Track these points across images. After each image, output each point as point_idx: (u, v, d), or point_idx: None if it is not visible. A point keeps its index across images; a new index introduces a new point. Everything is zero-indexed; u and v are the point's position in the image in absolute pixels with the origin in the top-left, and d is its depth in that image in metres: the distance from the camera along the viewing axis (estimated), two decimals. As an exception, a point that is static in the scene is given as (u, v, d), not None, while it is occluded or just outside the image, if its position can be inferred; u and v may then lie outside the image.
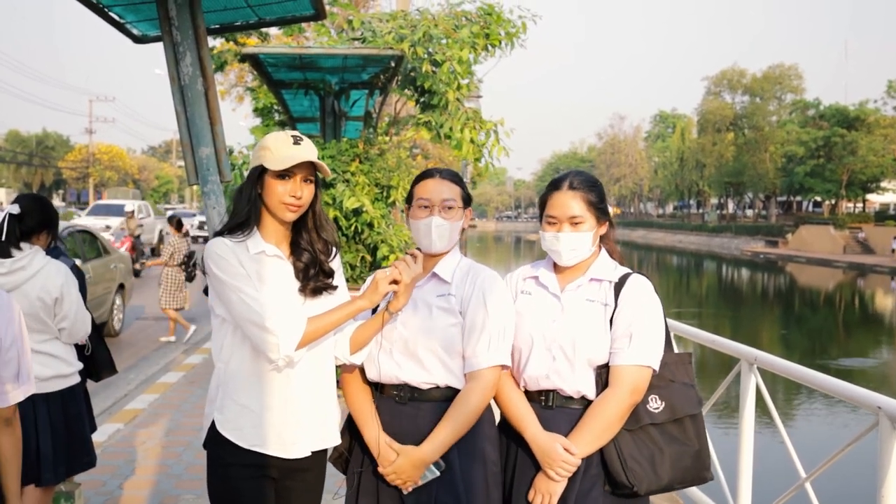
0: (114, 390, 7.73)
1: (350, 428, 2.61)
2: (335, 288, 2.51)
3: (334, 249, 2.56)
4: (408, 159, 9.58)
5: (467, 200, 2.61)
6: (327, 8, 6.62)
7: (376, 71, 8.03)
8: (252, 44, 12.02)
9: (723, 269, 48.59)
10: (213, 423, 2.43)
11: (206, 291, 2.53)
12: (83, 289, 3.73)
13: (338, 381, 2.57)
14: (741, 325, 23.74)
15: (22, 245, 3.49)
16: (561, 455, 2.36)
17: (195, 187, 4.75)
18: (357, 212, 7.43)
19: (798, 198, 68.71)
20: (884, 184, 59.04)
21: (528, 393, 2.52)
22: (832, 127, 56.37)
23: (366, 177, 7.72)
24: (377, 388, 2.56)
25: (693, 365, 2.57)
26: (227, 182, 4.65)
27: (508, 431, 2.53)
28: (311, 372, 2.44)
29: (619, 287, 2.49)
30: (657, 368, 2.43)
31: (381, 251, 7.52)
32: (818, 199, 63.99)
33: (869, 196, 62.35)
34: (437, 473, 2.41)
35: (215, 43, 12.48)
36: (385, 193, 7.95)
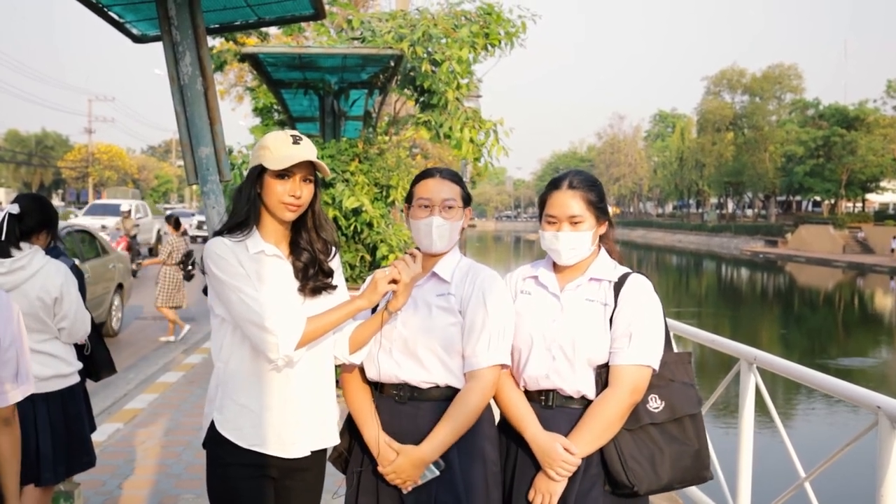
0: (113, 390, 7.73)
1: (350, 427, 2.61)
2: (334, 287, 2.51)
3: (333, 249, 2.56)
4: (407, 159, 9.58)
5: (467, 200, 2.61)
6: (327, 7, 6.61)
7: (376, 70, 8.03)
8: (251, 43, 12.02)
9: (722, 269, 48.60)
10: (212, 423, 2.42)
11: (205, 291, 2.53)
12: (82, 288, 3.73)
13: (337, 381, 2.57)
14: (740, 324, 23.74)
15: (21, 245, 3.49)
16: (561, 455, 2.36)
17: (195, 187, 4.75)
18: (356, 211, 7.43)
19: (797, 197, 68.76)
20: (883, 183, 59.05)
21: (527, 393, 2.52)
22: (832, 126, 56.39)
23: (365, 176, 7.72)
24: (377, 388, 2.56)
25: (693, 364, 2.57)
26: (227, 182, 4.65)
27: (508, 431, 2.53)
28: (310, 372, 2.44)
29: (618, 286, 2.49)
30: (657, 368, 2.43)
31: (381, 251, 7.52)
32: (818, 198, 64.02)
33: (868, 196, 62.35)
34: (437, 473, 2.41)
35: (215, 42, 12.47)
36: (384, 193, 7.95)
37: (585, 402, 2.44)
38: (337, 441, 2.55)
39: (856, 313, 28.44)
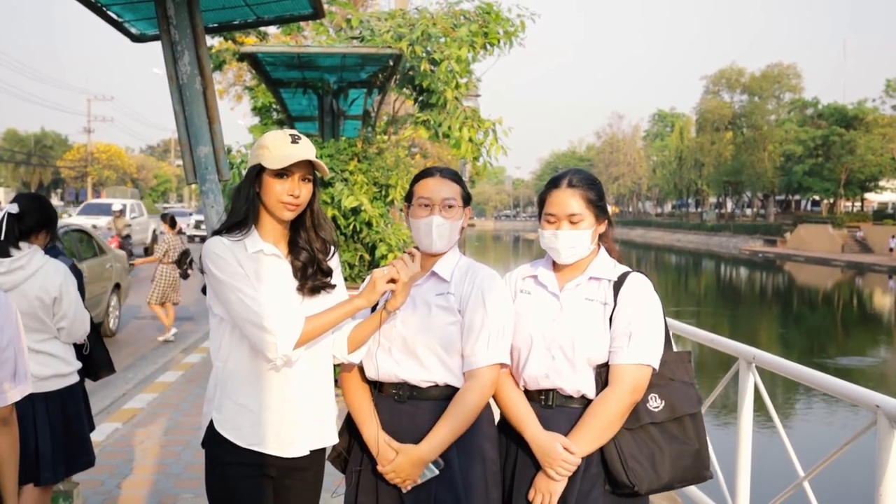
0: (112, 389, 7.73)
1: (349, 427, 2.61)
2: (333, 287, 2.51)
3: (332, 248, 2.56)
4: (406, 158, 9.58)
5: (467, 199, 2.61)
6: (326, 7, 6.61)
7: (375, 70, 8.03)
8: (250, 43, 12.02)
9: (721, 268, 48.62)
10: (211, 423, 2.42)
11: (204, 290, 2.52)
12: (81, 288, 3.73)
13: (336, 380, 2.57)
14: (739, 323, 23.75)
15: (21, 244, 3.49)
16: (561, 454, 2.35)
17: (193, 186, 4.75)
18: (355, 211, 7.43)
19: (796, 197, 68.77)
20: (882, 183, 59.08)
21: (527, 392, 2.52)
22: (830, 126, 56.39)
23: (364, 176, 7.71)
24: (376, 387, 2.56)
25: (693, 363, 2.57)
26: (226, 181, 4.65)
27: (508, 431, 2.53)
28: (309, 371, 2.44)
29: (618, 286, 2.48)
30: (657, 367, 2.42)
31: (380, 250, 7.52)
32: (816, 198, 64.02)
33: (867, 195, 62.36)
34: (436, 472, 2.41)
35: (213, 42, 12.47)
36: (383, 192, 7.95)
37: (585, 402, 2.44)
38: (336, 440, 2.55)
39: (854, 312, 28.46)
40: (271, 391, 2.39)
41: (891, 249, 44.56)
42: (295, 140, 2.38)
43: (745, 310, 27.96)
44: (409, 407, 2.48)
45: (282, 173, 2.36)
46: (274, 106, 13.07)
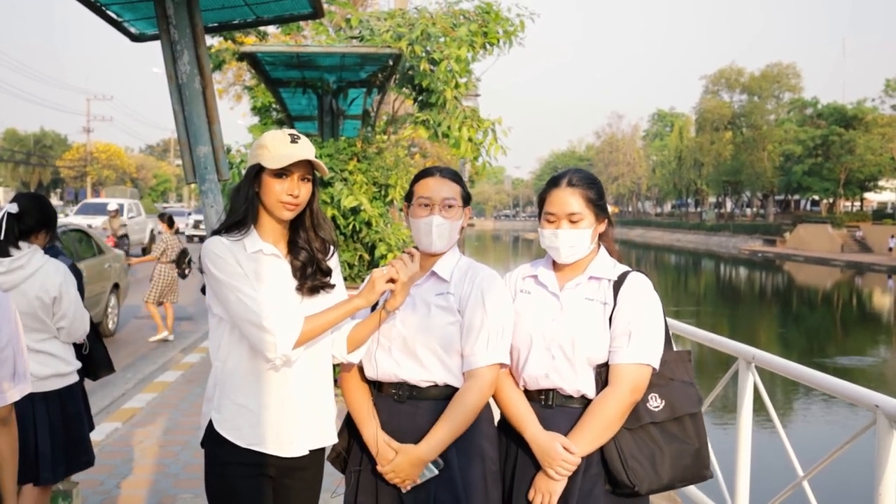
0: (112, 389, 7.73)
1: (349, 426, 2.61)
2: (333, 286, 2.51)
3: (332, 248, 2.56)
4: (406, 158, 9.58)
5: (467, 199, 2.61)
6: (325, 6, 6.61)
7: (374, 69, 8.02)
8: (250, 42, 12.02)
9: (721, 268, 48.63)
10: (210, 422, 2.42)
11: (203, 290, 2.52)
12: (81, 288, 3.73)
13: (336, 380, 2.57)
14: (739, 323, 23.76)
15: (20, 244, 3.49)
16: (560, 454, 2.35)
17: (193, 186, 4.75)
18: (355, 210, 7.42)
19: (796, 196, 68.79)
20: (881, 182, 59.10)
21: (527, 392, 2.52)
22: (830, 126, 56.39)
23: (364, 175, 7.71)
24: (376, 387, 2.56)
25: (693, 363, 2.57)
26: (225, 181, 4.65)
27: (509, 431, 2.53)
28: (308, 371, 2.44)
29: (618, 285, 2.48)
30: (657, 367, 2.42)
31: (379, 250, 7.52)
32: (816, 197, 64.01)
33: (866, 195, 62.41)
34: (436, 472, 2.41)
35: (213, 41, 12.48)
36: (383, 192, 7.95)
37: (585, 402, 2.44)
38: (335, 440, 2.55)
39: (854, 312, 28.46)
40: (270, 391, 2.39)
41: (890, 249, 44.57)
42: (294, 140, 2.38)
43: (745, 309, 27.97)
44: (408, 407, 2.48)
45: (281, 173, 2.36)
46: (273, 105, 13.07)
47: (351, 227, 7.53)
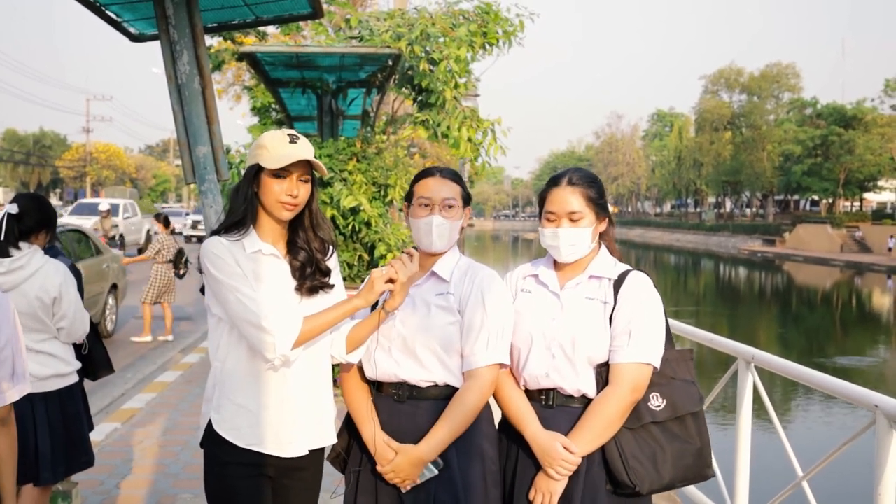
0: (111, 389, 7.73)
1: (348, 427, 2.61)
2: (332, 287, 2.51)
3: (331, 248, 2.56)
4: (405, 158, 9.57)
5: (467, 199, 2.61)
6: (325, 6, 6.61)
7: (374, 69, 8.03)
8: (249, 42, 12.02)
9: (720, 268, 48.64)
10: (209, 423, 2.42)
11: (202, 290, 2.52)
12: (80, 288, 3.73)
13: (335, 380, 2.57)
14: (738, 323, 23.76)
15: (21, 244, 3.48)
16: (561, 454, 2.35)
17: (192, 186, 4.75)
18: (354, 210, 7.42)
19: (795, 196, 68.79)
20: (881, 182, 59.10)
21: (528, 392, 2.52)
22: (829, 126, 56.39)
23: (363, 175, 7.71)
24: (375, 387, 2.56)
25: (694, 362, 2.57)
26: (225, 181, 4.65)
27: (509, 431, 2.52)
28: (307, 371, 2.44)
29: (618, 284, 2.48)
30: (658, 366, 2.42)
31: (379, 250, 7.52)
32: (815, 197, 64.01)
33: (866, 195, 62.40)
34: (436, 472, 2.41)
35: (212, 42, 12.48)
36: (383, 192, 7.95)
37: (586, 401, 2.43)
38: (334, 440, 2.55)
39: (853, 312, 28.47)
40: (270, 391, 2.39)
41: (889, 249, 44.57)
42: (293, 140, 2.38)
43: (744, 309, 27.97)
44: (408, 407, 2.48)
45: (280, 173, 2.36)
46: (273, 106, 13.07)
47: (350, 227, 7.53)
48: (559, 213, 2.49)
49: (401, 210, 2.68)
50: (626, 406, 2.37)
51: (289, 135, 2.39)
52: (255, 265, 2.39)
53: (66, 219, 24.62)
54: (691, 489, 4.45)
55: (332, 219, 7.33)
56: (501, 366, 2.48)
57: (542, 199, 2.57)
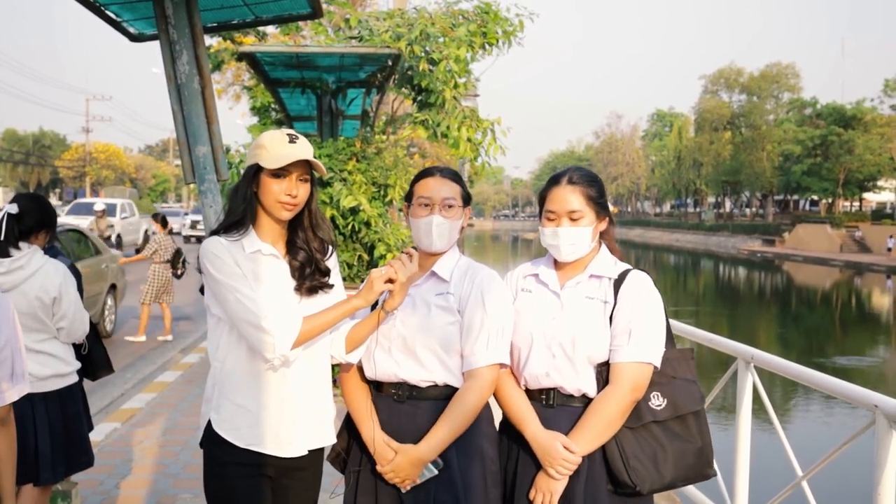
0: (111, 389, 7.73)
1: (348, 427, 2.61)
2: (331, 287, 2.51)
3: (330, 248, 2.56)
4: (405, 158, 9.56)
5: (467, 199, 2.61)
6: (324, 6, 6.61)
7: (373, 69, 8.02)
8: (249, 42, 12.02)
9: (720, 268, 48.64)
10: (209, 423, 2.42)
11: (202, 290, 2.52)
12: (80, 288, 3.73)
13: (335, 380, 2.57)
14: (738, 323, 23.76)
15: (20, 244, 3.48)
16: (561, 453, 2.35)
17: (192, 186, 4.75)
18: (354, 210, 7.42)
19: (795, 196, 68.80)
20: (880, 182, 59.12)
21: (529, 391, 2.52)
22: (829, 126, 56.38)
23: (363, 175, 7.71)
24: (375, 387, 2.56)
25: (695, 361, 2.56)
26: (224, 181, 4.65)
27: (510, 431, 2.52)
28: (307, 371, 2.44)
29: (618, 283, 2.48)
30: (658, 365, 2.42)
31: (379, 250, 7.51)
32: (815, 197, 64.02)
33: (865, 195, 62.42)
34: (436, 472, 2.41)
35: (212, 42, 12.47)
36: (382, 192, 7.95)
37: (586, 401, 2.43)
38: (334, 440, 2.55)
39: (853, 312, 28.47)
40: (269, 391, 2.39)
41: (889, 249, 44.57)
42: (292, 140, 2.38)
43: (744, 309, 27.97)
44: (408, 407, 2.48)
45: (279, 173, 2.36)
46: (272, 106, 13.07)
47: (350, 227, 7.53)
48: (559, 212, 2.48)
49: (400, 210, 2.68)
50: (626, 405, 2.37)
51: (288, 134, 2.39)
52: (255, 265, 2.38)
53: (63, 219, 24.61)
54: (691, 489, 4.45)
55: (332, 219, 7.33)
56: (501, 366, 2.48)
57: (543, 199, 2.57)
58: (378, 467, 2.45)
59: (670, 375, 2.46)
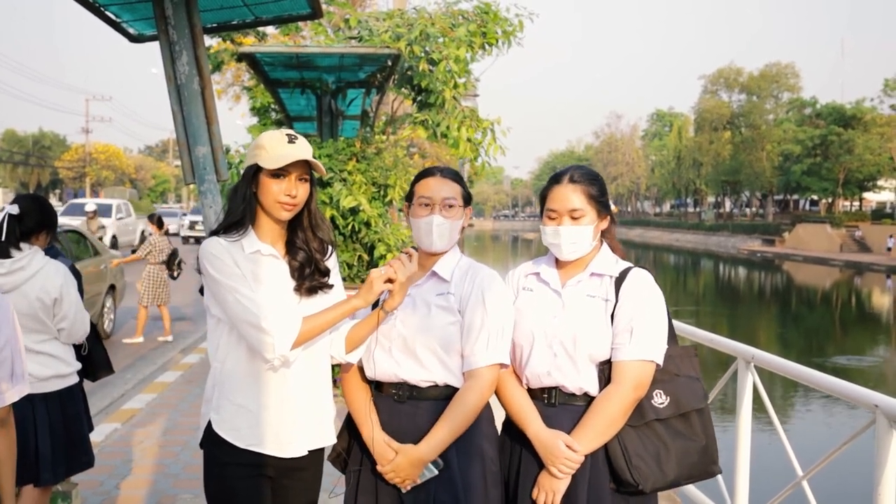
0: (111, 390, 7.72)
1: (349, 427, 2.61)
2: (331, 287, 2.51)
3: (330, 248, 2.56)
4: (405, 158, 9.56)
5: (467, 199, 2.61)
6: (324, 7, 6.61)
7: (373, 70, 8.02)
8: (249, 43, 12.01)
9: (720, 268, 48.63)
10: (209, 423, 2.42)
11: (202, 291, 2.52)
12: (81, 289, 3.73)
13: (335, 380, 2.57)
14: (738, 323, 23.76)
15: (21, 245, 3.48)
16: (563, 452, 2.35)
17: (192, 186, 4.74)
18: (354, 211, 7.42)
19: (795, 196, 68.78)
20: (880, 182, 59.09)
21: (531, 391, 2.51)
22: (829, 125, 56.35)
23: (363, 176, 7.71)
24: (375, 387, 2.56)
25: (698, 358, 2.56)
26: (224, 181, 4.65)
27: (512, 430, 2.52)
28: (306, 371, 2.44)
29: (619, 281, 2.47)
30: (660, 362, 2.41)
31: (378, 250, 7.51)
32: (815, 197, 64.00)
33: (865, 194, 62.40)
34: (436, 472, 2.41)
35: (212, 42, 12.46)
36: (382, 192, 7.94)
37: (588, 400, 2.43)
38: (334, 440, 2.55)
39: (853, 312, 28.47)
40: (269, 391, 2.39)
41: (888, 249, 44.57)
42: (291, 140, 2.38)
43: (744, 309, 27.96)
44: (408, 407, 2.48)
45: (278, 173, 2.35)
46: (272, 106, 13.06)
47: (350, 227, 7.53)
48: (561, 210, 2.48)
49: (401, 210, 2.67)
50: (628, 404, 2.36)
51: (287, 135, 2.39)
52: (254, 265, 2.38)
53: (59, 219, 24.53)
54: (691, 488, 4.45)
55: (332, 219, 7.33)
56: (502, 366, 2.47)
57: (544, 197, 2.56)
58: (378, 467, 2.45)
59: (673, 373, 2.46)
